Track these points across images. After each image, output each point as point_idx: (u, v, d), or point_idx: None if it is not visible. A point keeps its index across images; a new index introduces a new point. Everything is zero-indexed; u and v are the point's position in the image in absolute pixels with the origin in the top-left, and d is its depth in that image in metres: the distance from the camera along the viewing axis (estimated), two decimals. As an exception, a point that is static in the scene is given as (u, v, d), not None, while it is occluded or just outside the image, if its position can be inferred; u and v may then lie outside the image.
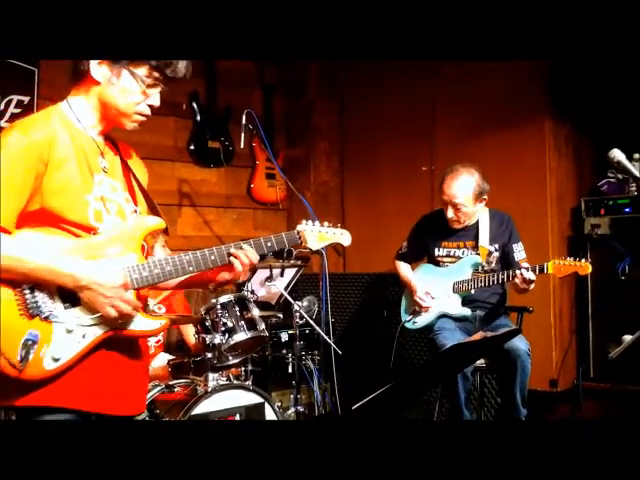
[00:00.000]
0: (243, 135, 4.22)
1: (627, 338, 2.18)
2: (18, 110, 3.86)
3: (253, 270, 2.00)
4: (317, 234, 2.10)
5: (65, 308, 1.66)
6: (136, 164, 1.98)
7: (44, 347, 1.62)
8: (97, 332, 1.69)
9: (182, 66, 1.75)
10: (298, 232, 2.06)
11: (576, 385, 4.12)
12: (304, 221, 2.09)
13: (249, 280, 2.08)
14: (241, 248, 1.90)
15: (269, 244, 1.99)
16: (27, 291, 1.62)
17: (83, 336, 1.67)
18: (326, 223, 2.14)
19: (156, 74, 1.74)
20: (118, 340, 1.76)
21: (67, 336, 1.65)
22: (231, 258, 1.90)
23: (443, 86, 4.67)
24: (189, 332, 3.58)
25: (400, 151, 4.97)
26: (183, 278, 1.94)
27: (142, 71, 1.72)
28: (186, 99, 4.75)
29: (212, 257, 1.88)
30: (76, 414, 1.68)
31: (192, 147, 4.85)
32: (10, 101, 3.83)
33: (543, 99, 4.20)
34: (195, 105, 4.83)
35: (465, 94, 4.53)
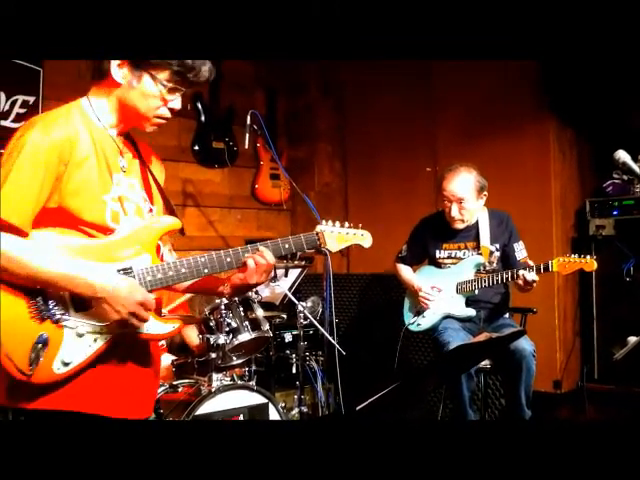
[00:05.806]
0: (247, 135, 4.23)
1: (632, 339, 2.17)
2: (23, 110, 3.87)
3: (269, 273, 1.91)
4: (337, 235, 2.00)
5: (76, 311, 1.64)
6: (154, 163, 1.97)
7: (54, 351, 1.60)
8: (108, 335, 1.67)
9: (205, 70, 1.72)
10: (317, 233, 1.96)
11: (580, 386, 4.12)
12: (324, 221, 2.00)
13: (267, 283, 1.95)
14: (257, 250, 1.85)
15: (287, 246, 1.91)
16: (38, 294, 1.60)
17: (94, 340, 1.65)
18: (346, 224, 2.05)
19: (177, 78, 1.70)
20: (130, 344, 1.75)
21: (78, 340, 1.63)
22: (246, 258, 1.84)
23: (445, 88, 4.66)
24: (190, 334, 3.57)
25: (402, 152, 4.96)
26: (194, 281, 1.91)
27: (163, 75, 1.69)
28: (190, 100, 4.76)
29: (228, 259, 1.83)
30: (85, 418, 1.65)
31: (196, 147, 4.85)
32: (15, 101, 3.84)
33: (546, 102, 4.18)
34: (199, 106, 4.83)
35: (467, 96, 4.52)
